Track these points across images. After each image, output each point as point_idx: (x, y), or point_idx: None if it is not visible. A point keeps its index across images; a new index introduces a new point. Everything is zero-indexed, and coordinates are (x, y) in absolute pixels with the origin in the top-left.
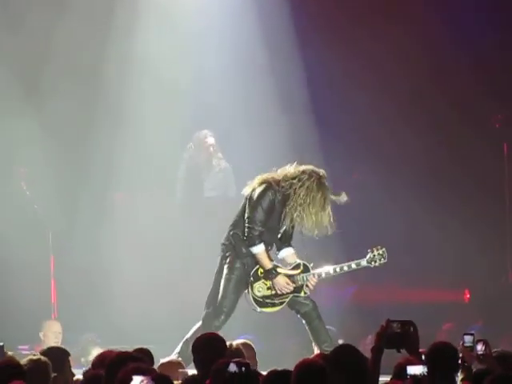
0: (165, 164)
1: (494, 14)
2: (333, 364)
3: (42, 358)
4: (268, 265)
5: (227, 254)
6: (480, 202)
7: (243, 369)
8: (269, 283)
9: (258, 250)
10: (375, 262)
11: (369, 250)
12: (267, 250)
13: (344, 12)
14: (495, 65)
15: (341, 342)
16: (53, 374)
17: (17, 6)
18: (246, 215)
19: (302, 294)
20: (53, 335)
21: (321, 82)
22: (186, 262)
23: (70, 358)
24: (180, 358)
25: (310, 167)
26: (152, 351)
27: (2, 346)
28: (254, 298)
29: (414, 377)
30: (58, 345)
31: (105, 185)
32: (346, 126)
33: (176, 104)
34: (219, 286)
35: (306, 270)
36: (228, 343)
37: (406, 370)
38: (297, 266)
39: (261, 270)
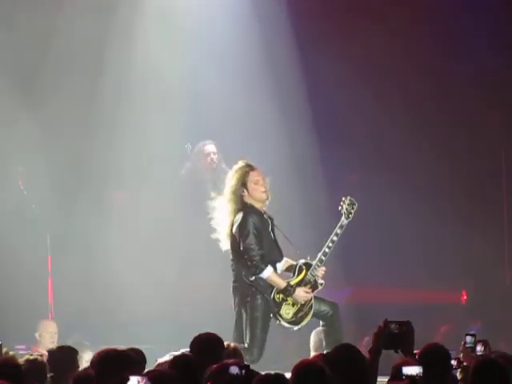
0: (165, 163)
1: (492, 14)
2: (333, 363)
3: (39, 357)
4: (282, 284)
5: (246, 293)
6: (478, 203)
7: (243, 371)
8: (290, 300)
9: (268, 273)
10: (351, 213)
11: (340, 208)
12: (275, 270)
13: (345, 9)
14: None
15: None
16: (49, 374)
17: (15, 5)
18: (241, 248)
19: (320, 287)
20: (48, 335)
21: (321, 83)
22: (186, 262)
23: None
24: None
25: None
26: (150, 351)
27: (0, 344)
28: (288, 322)
29: (409, 377)
30: (54, 345)
31: (104, 184)
32: (346, 128)
33: (176, 103)
34: (243, 324)
35: (308, 266)
36: (226, 343)
37: (402, 372)
38: (300, 269)
39: (277, 296)
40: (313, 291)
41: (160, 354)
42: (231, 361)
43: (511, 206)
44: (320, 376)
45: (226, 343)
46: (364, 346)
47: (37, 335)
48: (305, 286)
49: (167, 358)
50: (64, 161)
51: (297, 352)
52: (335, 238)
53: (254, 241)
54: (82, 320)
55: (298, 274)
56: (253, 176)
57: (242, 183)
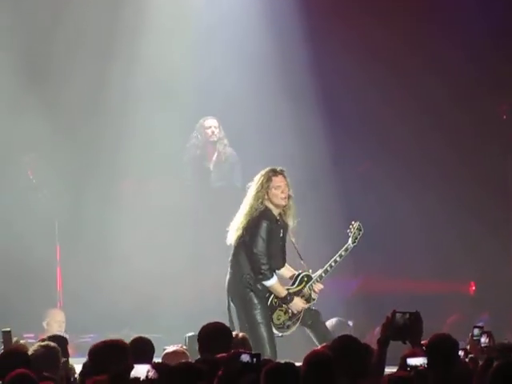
0: (172, 151)
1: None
2: (336, 352)
3: (51, 343)
4: (283, 292)
5: (243, 293)
6: (487, 193)
7: (254, 359)
8: (284, 308)
9: (273, 281)
10: (357, 238)
11: (348, 231)
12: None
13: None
14: (499, 54)
15: (350, 323)
16: (62, 359)
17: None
18: (252, 252)
19: (312, 302)
20: (56, 324)
21: (331, 74)
22: (194, 251)
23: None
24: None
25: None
26: (158, 340)
27: (9, 331)
28: (276, 327)
29: (414, 368)
30: (62, 333)
31: (111, 172)
32: (355, 119)
33: (184, 93)
34: (246, 327)
35: (308, 279)
36: (234, 333)
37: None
38: (300, 280)
39: (274, 299)
40: (307, 302)
41: (168, 342)
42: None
43: None
44: (329, 365)
45: (234, 333)
46: (374, 336)
47: (44, 324)
48: (301, 297)
49: (174, 347)
50: (72, 149)
51: (303, 344)
52: (338, 259)
53: (265, 248)
54: (90, 308)
55: (298, 285)
56: (275, 181)
57: (264, 187)
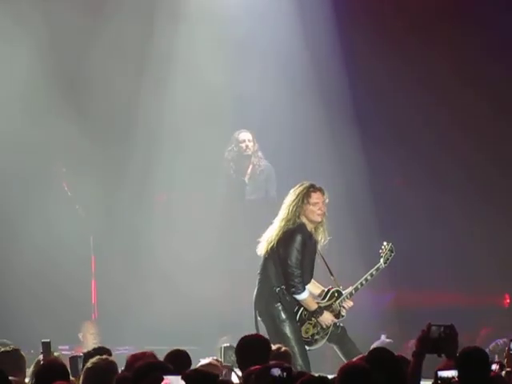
0: (207, 164)
1: None
2: (371, 365)
3: (110, 357)
4: (314, 306)
5: (275, 314)
6: None
7: (285, 373)
8: (313, 321)
9: (305, 295)
10: (389, 259)
11: (380, 252)
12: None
13: (386, 9)
14: None
15: (383, 336)
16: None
17: (59, 6)
18: (287, 264)
19: (341, 318)
20: (91, 336)
21: (367, 89)
22: (229, 265)
23: None
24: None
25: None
26: (194, 352)
27: (49, 342)
28: (303, 340)
29: (444, 380)
30: (96, 345)
31: (144, 186)
32: (390, 134)
33: (218, 106)
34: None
35: (339, 294)
36: (276, 346)
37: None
38: (331, 295)
39: (304, 312)
40: (336, 318)
41: (203, 354)
42: (273, 362)
43: None
44: (367, 377)
45: (276, 346)
46: (408, 349)
47: (80, 336)
48: (330, 312)
49: (209, 359)
50: (107, 161)
51: (337, 358)
52: (369, 278)
53: (299, 260)
54: (126, 320)
55: (329, 300)
56: (314, 197)
57: (302, 200)
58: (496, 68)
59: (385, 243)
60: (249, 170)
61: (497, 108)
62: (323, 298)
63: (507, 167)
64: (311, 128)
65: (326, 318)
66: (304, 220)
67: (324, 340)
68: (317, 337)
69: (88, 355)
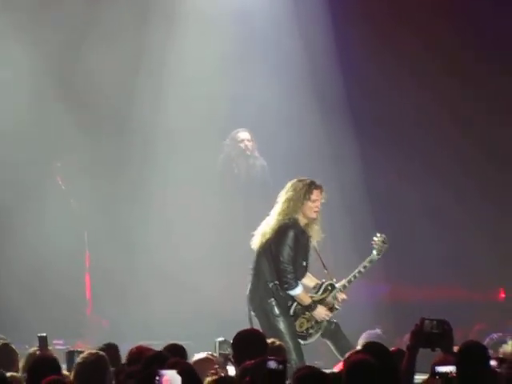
0: (202, 160)
1: None
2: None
3: (100, 352)
4: (308, 300)
5: (268, 309)
6: None
7: (281, 366)
8: (308, 315)
9: (299, 291)
10: (381, 251)
11: (372, 243)
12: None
13: (380, 5)
14: None
15: (379, 330)
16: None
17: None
18: (279, 260)
19: (335, 311)
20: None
21: (361, 83)
22: (225, 260)
23: None
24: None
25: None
26: (188, 347)
27: (46, 336)
28: (297, 334)
29: (442, 375)
30: None
31: (141, 181)
32: (384, 130)
33: (212, 104)
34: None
35: (332, 288)
36: (270, 340)
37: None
38: (324, 289)
39: (298, 306)
40: (330, 312)
41: (198, 349)
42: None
43: None
44: (373, 372)
45: (270, 340)
46: (403, 343)
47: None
48: (324, 306)
49: (204, 354)
50: (103, 156)
51: (329, 352)
52: (363, 270)
53: (291, 257)
54: (121, 315)
55: (322, 293)
56: (314, 194)
57: (304, 196)
58: (492, 64)
59: (377, 235)
60: (246, 169)
61: (493, 104)
62: (317, 292)
63: (504, 162)
64: (305, 125)
65: (320, 312)
66: (299, 216)
67: (318, 334)
68: (311, 331)
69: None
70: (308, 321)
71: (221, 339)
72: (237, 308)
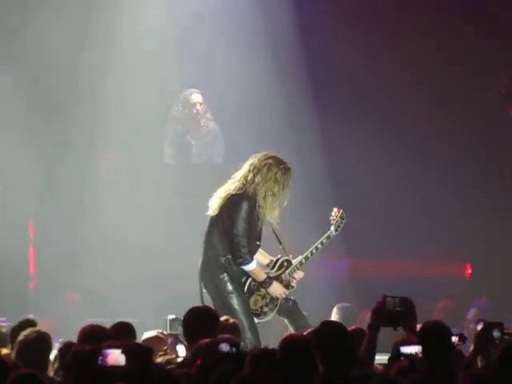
0: (152, 125)
1: None
2: (321, 338)
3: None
4: (263, 276)
5: (221, 285)
6: (482, 172)
7: (234, 349)
8: (263, 292)
9: (253, 265)
10: (339, 226)
11: (330, 219)
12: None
13: None
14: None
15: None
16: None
17: None
18: (233, 233)
19: (291, 289)
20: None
21: (319, 49)
22: (174, 230)
23: None
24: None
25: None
26: (137, 326)
27: None
28: (252, 312)
29: (408, 357)
30: None
31: (89, 147)
32: (346, 94)
33: (165, 64)
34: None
35: (288, 264)
36: (223, 318)
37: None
38: (280, 265)
39: (252, 283)
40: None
41: (148, 327)
42: (222, 336)
43: None
44: (306, 348)
45: (223, 318)
46: (365, 321)
47: None
48: (280, 282)
49: (154, 332)
50: (46, 123)
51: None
52: (320, 246)
53: (245, 230)
54: (66, 292)
55: (278, 269)
56: (289, 181)
57: (279, 182)
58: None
59: (335, 209)
60: (196, 132)
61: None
62: (272, 268)
63: (479, 134)
64: (259, 86)
65: (276, 288)
66: (255, 194)
67: (273, 312)
68: (266, 309)
69: (17, 328)
70: (263, 298)
71: (172, 317)
72: (187, 283)
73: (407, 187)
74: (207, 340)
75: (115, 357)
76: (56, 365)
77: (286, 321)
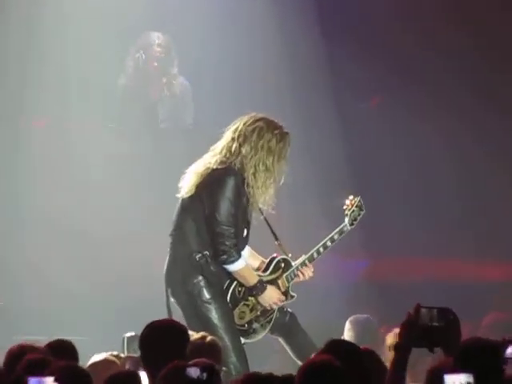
0: (102, 78)
1: None
2: None
3: None
4: (254, 279)
5: (195, 291)
6: None
7: (205, 374)
8: (251, 302)
9: (241, 264)
10: (356, 219)
11: (344, 208)
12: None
13: None
14: None
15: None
16: None
17: None
18: (215, 218)
19: (290, 299)
20: None
21: None
22: (133, 215)
23: None
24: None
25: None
26: (84, 344)
27: None
28: (237, 329)
29: None
30: None
31: (19, 108)
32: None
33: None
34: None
35: (287, 265)
36: (199, 335)
37: (442, 380)
38: (276, 266)
39: (238, 288)
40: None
41: (98, 348)
42: (196, 361)
43: None
44: (335, 377)
45: (199, 334)
46: (388, 340)
47: None
48: (276, 288)
49: (105, 355)
50: None
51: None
52: (329, 244)
53: (232, 215)
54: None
55: (273, 272)
56: (286, 151)
57: (271, 154)
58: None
59: (350, 197)
60: (160, 88)
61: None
62: (265, 270)
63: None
64: (261, 36)
65: (271, 295)
66: (241, 169)
67: (266, 330)
68: (256, 325)
69: None
70: (252, 310)
71: (130, 334)
72: (156, 289)
73: (440, 168)
74: (172, 364)
75: None
76: None
77: (281, 339)
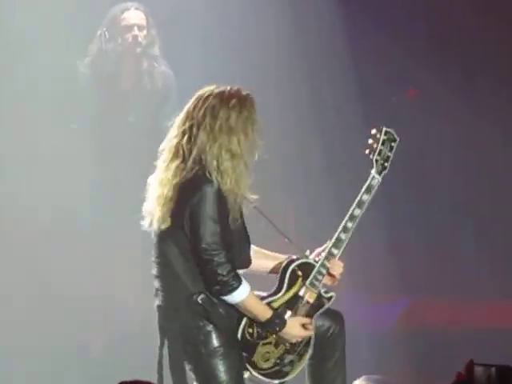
0: (61, 61)
1: None
2: None
3: None
4: (265, 312)
5: (200, 340)
6: None
7: None
8: (273, 338)
9: (243, 294)
10: (388, 159)
11: (367, 152)
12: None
13: None
14: None
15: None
16: None
17: None
18: (201, 248)
19: (326, 303)
20: None
21: None
22: (94, 239)
23: None
24: None
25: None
26: None
27: None
28: (265, 374)
29: None
30: None
31: None
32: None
33: None
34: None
35: (307, 268)
36: None
37: None
38: (292, 276)
39: (248, 331)
40: (315, 312)
41: None
42: None
43: None
44: None
45: None
46: None
47: None
48: (300, 309)
49: None
50: None
51: None
52: (358, 212)
53: (217, 235)
54: None
55: (289, 287)
56: (254, 118)
57: (234, 133)
58: None
59: (373, 131)
60: (134, 76)
61: None
62: (277, 291)
63: None
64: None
65: (295, 331)
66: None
67: (301, 364)
68: (289, 357)
69: None
70: (276, 346)
71: None
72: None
73: (491, 192)
74: None
75: None
76: None
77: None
